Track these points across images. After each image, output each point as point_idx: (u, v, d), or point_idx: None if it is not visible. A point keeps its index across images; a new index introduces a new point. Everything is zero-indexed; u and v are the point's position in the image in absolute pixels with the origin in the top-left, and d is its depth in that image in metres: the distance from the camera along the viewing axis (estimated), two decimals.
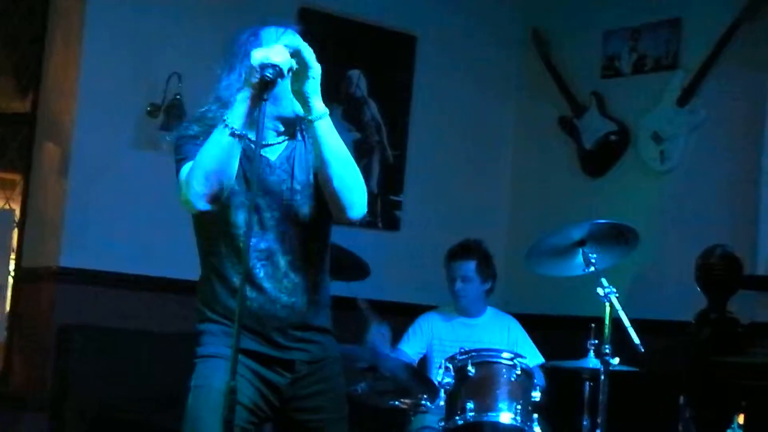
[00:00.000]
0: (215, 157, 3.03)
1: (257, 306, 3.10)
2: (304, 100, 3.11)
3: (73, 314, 5.56)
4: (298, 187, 3.21)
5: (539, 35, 6.98)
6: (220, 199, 3.09)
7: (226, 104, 3.13)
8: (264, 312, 3.14)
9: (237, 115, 3.02)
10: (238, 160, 3.05)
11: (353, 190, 3.15)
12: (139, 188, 5.49)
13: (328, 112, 3.11)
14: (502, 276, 5.43)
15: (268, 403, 3.26)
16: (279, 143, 3.24)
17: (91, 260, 5.60)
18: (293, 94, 3.12)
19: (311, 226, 3.22)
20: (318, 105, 3.09)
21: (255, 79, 2.98)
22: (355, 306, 4.95)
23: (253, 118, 3.01)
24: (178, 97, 5.54)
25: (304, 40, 3.25)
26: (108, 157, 5.68)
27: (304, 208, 3.21)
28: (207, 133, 3.09)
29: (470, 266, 5.17)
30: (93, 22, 5.72)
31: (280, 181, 3.21)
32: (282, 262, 3.21)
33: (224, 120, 3.01)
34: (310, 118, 3.10)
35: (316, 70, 3.09)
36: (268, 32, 3.24)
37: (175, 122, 5.32)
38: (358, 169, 3.17)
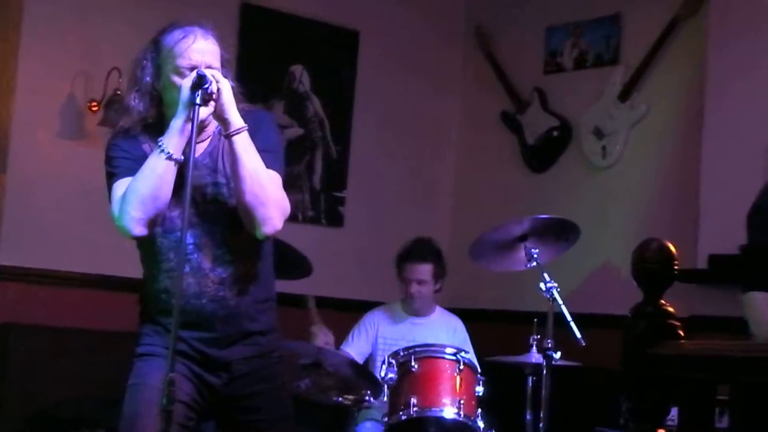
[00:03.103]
0: (151, 182, 3.09)
1: (184, 301, 3.09)
2: (220, 119, 3.15)
3: (13, 313, 5.52)
4: (223, 180, 3.24)
5: (482, 31, 7.00)
6: (156, 222, 3.12)
7: (143, 91, 3.20)
8: (192, 306, 3.16)
9: (173, 140, 3.09)
10: (172, 183, 3.10)
11: (267, 205, 3.17)
12: (79, 184, 5.45)
13: (246, 128, 3.14)
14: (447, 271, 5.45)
15: (205, 401, 3.28)
16: (201, 141, 3.26)
17: (29, 258, 5.56)
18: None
19: (240, 220, 3.24)
20: (234, 118, 3.14)
21: (191, 97, 3.06)
22: (299, 302, 4.96)
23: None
24: (119, 92, 5.50)
25: (230, 33, 3.30)
26: (46, 153, 5.64)
27: (232, 201, 3.23)
28: (134, 144, 3.20)
29: (426, 269, 5.17)
30: (31, 16, 5.66)
31: (202, 176, 3.23)
32: (209, 256, 3.23)
33: (160, 145, 3.07)
34: (227, 133, 3.15)
35: (225, 88, 3.12)
36: (181, 34, 3.23)
37: (114, 116, 5.33)
38: (274, 185, 3.21)
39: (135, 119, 3.24)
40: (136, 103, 3.23)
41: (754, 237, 3.67)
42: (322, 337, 4.91)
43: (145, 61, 3.25)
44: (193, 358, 3.23)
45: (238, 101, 3.18)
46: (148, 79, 3.24)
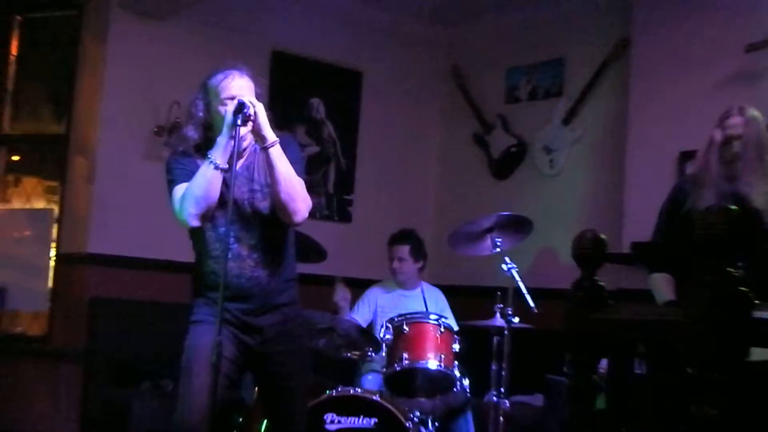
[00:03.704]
0: (203, 186, 3.11)
1: (227, 280, 3.09)
2: (257, 135, 3.15)
3: (99, 289, 5.56)
4: (257, 187, 3.26)
5: (457, 71, 7.01)
6: (207, 217, 3.14)
7: (196, 123, 3.21)
8: (233, 284, 3.17)
9: (219, 153, 3.10)
10: (219, 186, 3.12)
11: (297, 200, 3.18)
12: (147, 191, 5.46)
13: (278, 141, 3.16)
14: (431, 256, 5.44)
15: (245, 357, 3.29)
16: (240, 158, 3.27)
17: (113, 247, 5.61)
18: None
19: (270, 217, 3.25)
20: (269, 134, 3.15)
21: (233, 120, 3.09)
22: (320, 281, 4.96)
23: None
24: (178, 120, 5.51)
25: (263, 75, 3.32)
26: (124, 167, 5.67)
27: (264, 203, 3.25)
28: (190, 161, 3.22)
29: (405, 249, 5.16)
30: (112, 63, 5.70)
31: (240, 184, 3.24)
32: (245, 246, 3.24)
33: (209, 157, 3.09)
34: (264, 146, 3.15)
35: (260, 111, 3.12)
36: (223, 75, 3.26)
37: (174, 141, 5.33)
38: (301, 185, 3.22)
39: (190, 144, 3.26)
40: (191, 133, 3.26)
41: (653, 234, 3.70)
42: (341, 293, 4.93)
43: (197, 101, 3.28)
44: (234, 323, 3.24)
45: (270, 124, 3.20)
46: (200, 114, 3.26)
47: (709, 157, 3.53)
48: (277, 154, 3.15)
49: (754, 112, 3.54)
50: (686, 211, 3.47)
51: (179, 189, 3.18)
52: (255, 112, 3.11)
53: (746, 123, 3.48)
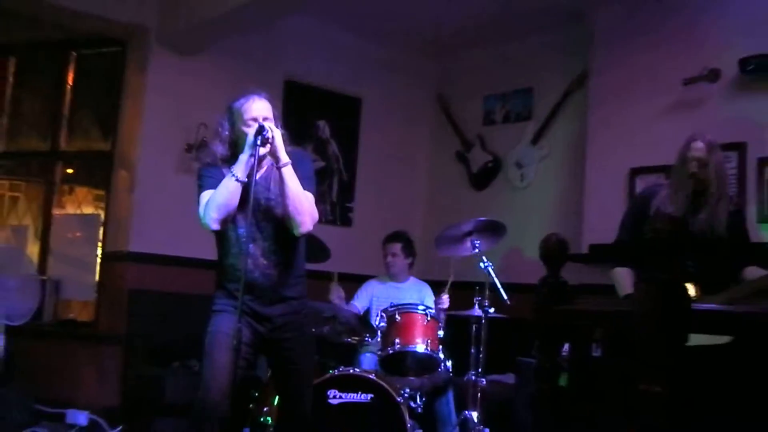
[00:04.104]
0: (224, 195, 3.10)
1: (245, 275, 3.08)
2: (273, 155, 3.13)
3: (138, 282, 5.53)
4: (272, 196, 3.24)
5: (442, 98, 7.01)
6: (227, 222, 3.13)
7: (222, 140, 3.18)
8: (248, 279, 3.14)
9: (240, 168, 3.10)
10: (239, 196, 3.11)
11: (303, 214, 3.17)
12: (179, 199, 5.46)
13: (290, 162, 3.13)
14: (420, 255, 5.43)
15: (259, 342, 3.27)
16: (259, 170, 3.27)
17: (149, 247, 5.59)
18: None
19: (282, 222, 3.23)
20: (283, 156, 3.13)
21: (254, 141, 3.09)
22: (324, 277, 4.94)
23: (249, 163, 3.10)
24: (205, 139, 5.49)
25: (277, 100, 3.31)
26: (159, 179, 5.64)
27: (277, 210, 3.23)
28: (217, 170, 3.19)
29: (397, 246, 5.15)
30: (150, 91, 5.69)
31: (259, 192, 3.22)
32: (261, 246, 3.22)
33: (231, 171, 3.08)
34: (278, 166, 3.14)
35: (277, 135, 3.11)
36: (245, 99, 3.25)
37: (202, 156, 5.32)
38: (308, 202, 3.20)
39: (217, 158, 3.25)
40: (218, 148, 3.26)
41: (618, 232, 3.68)
42: (336, 292, 4.90)
43: (223, 121, 3.28)
44: (248, 313, 3.22)
45: (286, 143, 3.18)
46: (226, 133, 3.25)
47: (675, 172, 3.54)
48: (288, 173, 3.14)
49: (712, 139, 3.57)
50: (653, 214, 3.47)
51: (205, 195, 3.18)
52: (273, 136, 3.10)
53: (707, 147, 3.51)
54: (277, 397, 4.15)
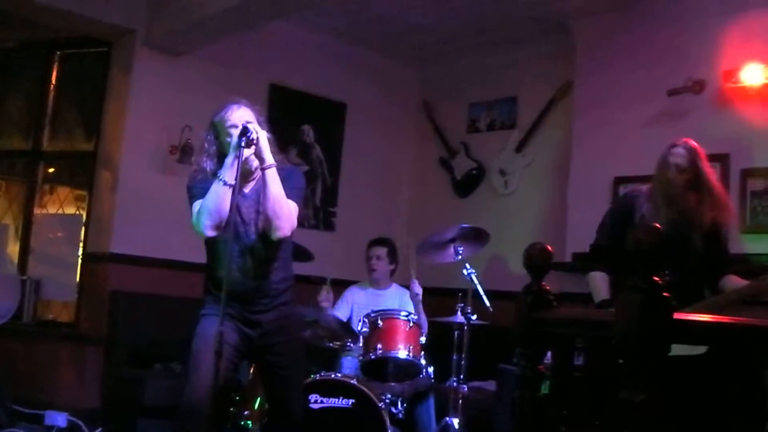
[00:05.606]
0: (215, 200, 3.09)
1: (232, 281, 3.09)
2: (258, 157, 3.13)
3: (119, 283, 5.50)
4: (261, 209, 3.23)
5: (427, 104, 7.03)
6: (221, 227, 3.11)
7: (210, 155, 3.20)
8: (238, 288, 3.16)
9: (227, 172, 3.09)
10: (229, 201, 3.09)
11: (281, 219, 3.16)
12: (162, 201, 5.45)
13: (275, 164, 3.14)
14: (403, 262, 5.40)
15: (246, 346, 3.26)
16: (250, 181, 3.28)
17: (131, 248, 5.56)
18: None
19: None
20: (268, 157, 3.13)
21: (238, 142, 3.07)
22: (307, 281, 4.91)
23: (236, 168, 3.07)
24: (189, 141, 5.51)
25: (262, 105, 3.30)
26: (142, 180, 5.62)
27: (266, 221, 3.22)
28: (206, 180, 3.17)
29: (383, 250, 5.11)
30: (134, 92, 5.68)
31: (249, 204, 3.22)
32: (249, 258, 3.22)
33: (219, 176, 3.07)
34: (262, 167, 3.13)
35: (262, 136, 3.11)
36: (224, 110, 3.26)
37: (186, 158, 5.34)
38: (290, 208, 3.19)
39: (207, 173, 3.24)
40: (206, 164, 3.25)
41: (597, 237, 3.69)
42: (325, 295, 4.87)
43: (208, 136, 3.29)
44: (238, 318, 3.22)
45: (273, 150, 3.18)
46: (213, 147, 3.25)
47: (657, 178, 3.54)
48: (271, 175, 3.13)
49: (694, 145, 3.56)
50: (638, 222, 3.47)
51: (197, 204, 3.17)
52: (257, 137, 3.10)
53: (688, 153, 3.50)
54: (258, 401, 4.14)
